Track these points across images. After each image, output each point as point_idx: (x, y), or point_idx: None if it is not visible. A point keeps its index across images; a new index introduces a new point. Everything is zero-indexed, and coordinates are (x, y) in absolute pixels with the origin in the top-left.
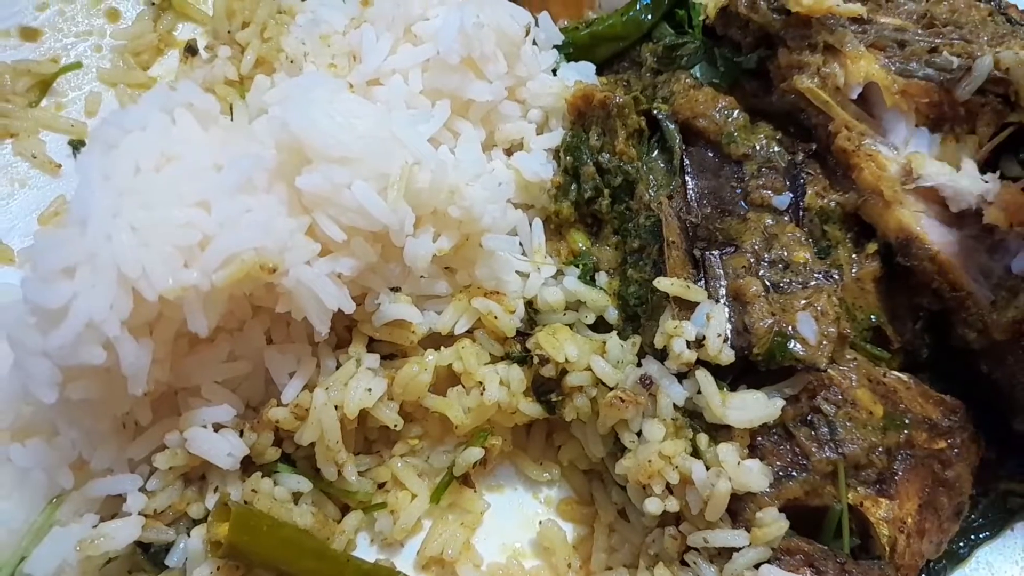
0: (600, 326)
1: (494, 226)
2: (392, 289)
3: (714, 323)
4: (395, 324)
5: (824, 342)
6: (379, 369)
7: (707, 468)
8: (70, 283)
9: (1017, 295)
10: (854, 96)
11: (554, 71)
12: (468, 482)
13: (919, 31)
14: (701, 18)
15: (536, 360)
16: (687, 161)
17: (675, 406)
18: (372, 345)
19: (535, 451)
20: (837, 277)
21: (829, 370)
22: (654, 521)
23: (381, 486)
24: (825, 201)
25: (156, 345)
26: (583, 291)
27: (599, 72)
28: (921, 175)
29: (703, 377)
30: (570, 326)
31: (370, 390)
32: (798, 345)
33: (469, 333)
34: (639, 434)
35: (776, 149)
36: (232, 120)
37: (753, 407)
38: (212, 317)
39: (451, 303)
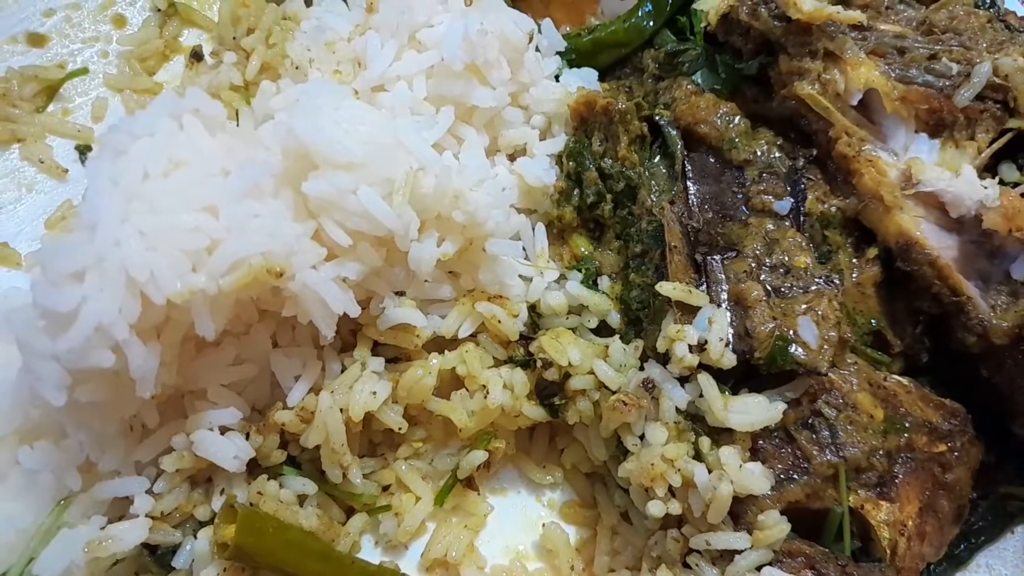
0: (602, 330)
1: (497, 231)
2: (397, 293)
3: (716, 327)
4: (399, 328)
5: (825, 346)
6: (384, 372)
7: (709, 471)
8: (79, 287)
9: (1016, 300)
10: (854, 102)
11: (557, 77)
12: (472, 485)
13: (919, 38)
14: (702, 25)
15: (539, 364)
16: (689, 166)
17: (677, 409)
18: (377, 349)
19: (538, 454)
20: (838, 282)
21: (830, 374)
22: (656, 524)
23: (385, 489)
24: (826, 206)
25: (164, 348)
26: (586, 295)
27: (601, 78)
28: (921, 180)
29: (705, 381)
30: (573, 330)
31: (375, 393)
32: (799, 349)
33: (473, 337)
34: (642, 437)
35: (777, 155)
36: (238, 126)
37: (755, 411)
38: (219, 321)
39: (455, 307)
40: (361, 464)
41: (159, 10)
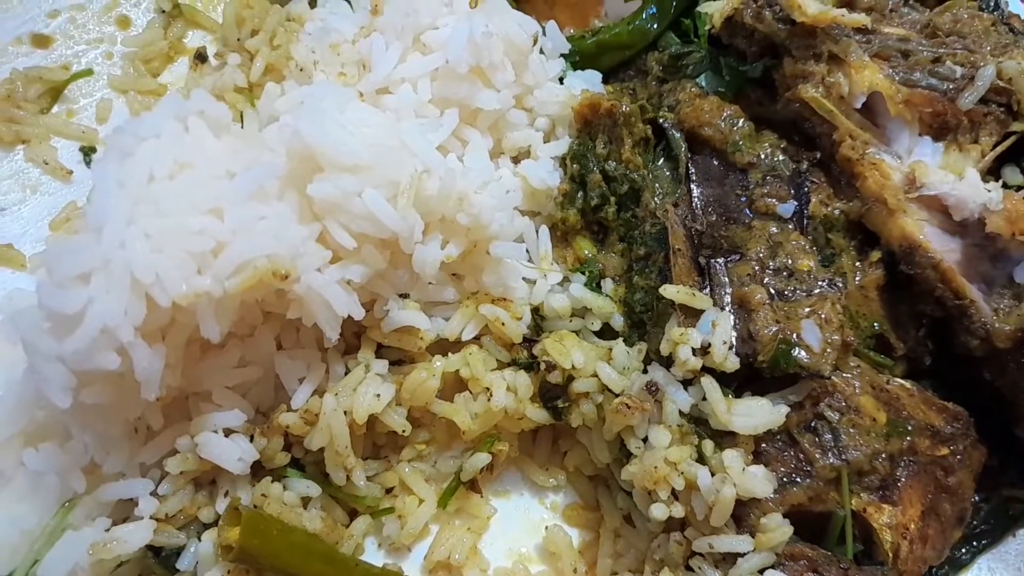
0: (606, 333)
1: (501, 233)
2: (401, 296)
3: (719, 330)
4: (403, 330)
5: (828, 349)
6: (387, 375)
7: (712, 474)
8: (85, 289)
9: (1020, 303)
10: (858, 105)
11: (561, 80)
12: (475, 487)
13: (923, 41)
14: (707, 28)
15: (543, 366)
16: (692, 169)
17: (681, 412)
18: (381, 351)
19: (541, 457)
20: (841, 285)
21: (833, 377)
22: (659, 526)
23: (389, 491)
24: (829, 209)
25: (168, 350)
26: (589, 298)
27: (605, 81)
28: (924, 184)
29: (708, 384)
30: (576, 333)
31: (379, 396)
32: (802, 352)
33: (476, 339)
34: (645, 440)
35: (781, 158)
36: (242, 127)
37: (758, 414)
38: (224, 323)
39: (459, 309)
40: (365, 466)
41: (163, 11)
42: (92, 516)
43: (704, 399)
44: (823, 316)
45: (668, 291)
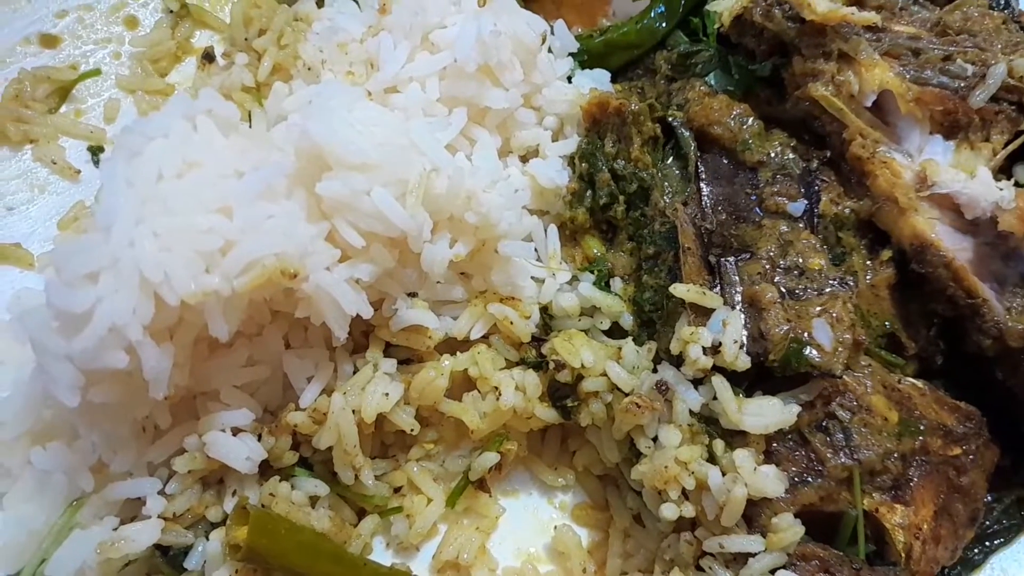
0: (615, 332)
1: (510, 232)
2: (409, 294)
3: (730, 329)
4: (412, 329)
5: (839, 348)
6: (396, 374)
7: (723, 474)
8: (93, 288)
9: None
10: (868, 104)
11: (569, 78)
12: (483, 487)
13: (933, 39)
14: (715, 26)
15: (552, 365)
16: (702, 168)
17: (691, 412)
18: (389, 350)
19: (550, 456)
20: (852, 284)
21: (844, 376)
22: (669, 526)
23: (397, 490)
24: (840, 208)
25: (177, 349)
26: (598, 297)
27: (614, 79)
28: (935, 182)
29: (719, 383)
30: (585, 332)
31: (387, 395)
32: (814, 351)
33: (485, 338)
34: (655, 440)
35: (791, 156)
36: (250, 127)
37: (769, 413)
38: (232, 322)
39: (467, 308)
40: (373, 466)
41: (171, 11)
42: (100, 515)
43: (715, 398)
44: (834, 315)
45: (678, 290)
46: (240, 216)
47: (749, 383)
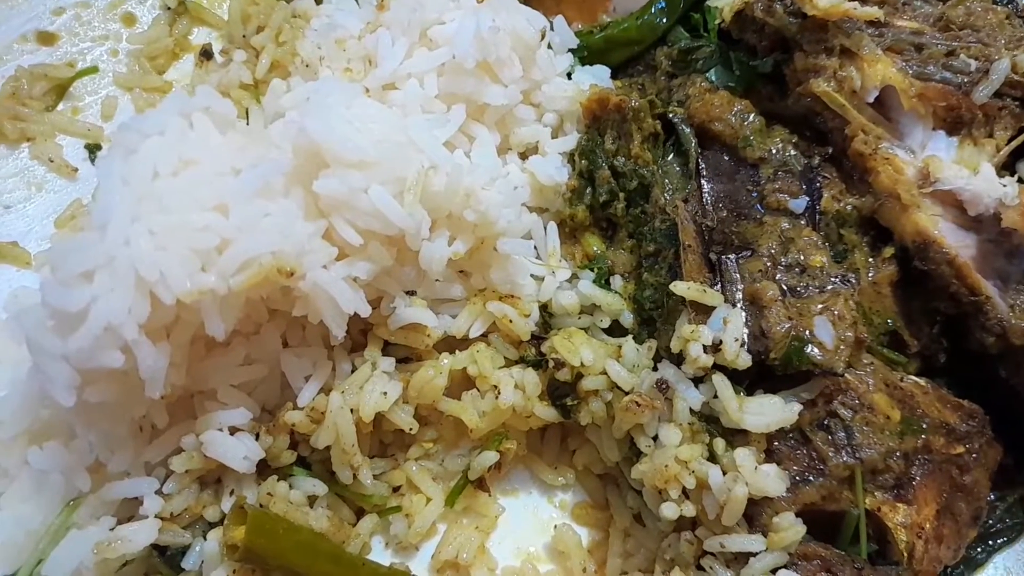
0: (615, 330)
1: (509, 230)
2: (407, 293)
3: (731, 327)
4: (410, 328)
5: (841, 346)
6: (394, 373)
7: (724, 473)
8: (89, 287)
9: None
10: (871, 99)
11: (569, 75)
12: (483, 486)
13: (936, 34)
14: (716, 22)
15: (551, 364)
16: (703, 165)
17: (691, 410)
18: (387, 349)
19: (550, 455)
20: (854, 281)
21: (846, 374)
22: (670, 526)
23: (396, 490)
24: (841, 205)
25: (173, 348)
26: (598, 295)
27: (614, 76)
28: (938, 179)
29: (720, 381)
30: (585, 330)
31: (385, 393)
32: (815, 349)
33: (484, 337)
34: (655, 438)
35: (792, 153)
36: (248, 124)
37: (770, 411)
38: (229, 321)
39: (466, 307)
40: (371, 465)
41: (169, 8)
42: (97, 515)
43: (715, 397)
44: (836, 313)
45: (679, 287)
46: (237, 214)
47: (750, 381)
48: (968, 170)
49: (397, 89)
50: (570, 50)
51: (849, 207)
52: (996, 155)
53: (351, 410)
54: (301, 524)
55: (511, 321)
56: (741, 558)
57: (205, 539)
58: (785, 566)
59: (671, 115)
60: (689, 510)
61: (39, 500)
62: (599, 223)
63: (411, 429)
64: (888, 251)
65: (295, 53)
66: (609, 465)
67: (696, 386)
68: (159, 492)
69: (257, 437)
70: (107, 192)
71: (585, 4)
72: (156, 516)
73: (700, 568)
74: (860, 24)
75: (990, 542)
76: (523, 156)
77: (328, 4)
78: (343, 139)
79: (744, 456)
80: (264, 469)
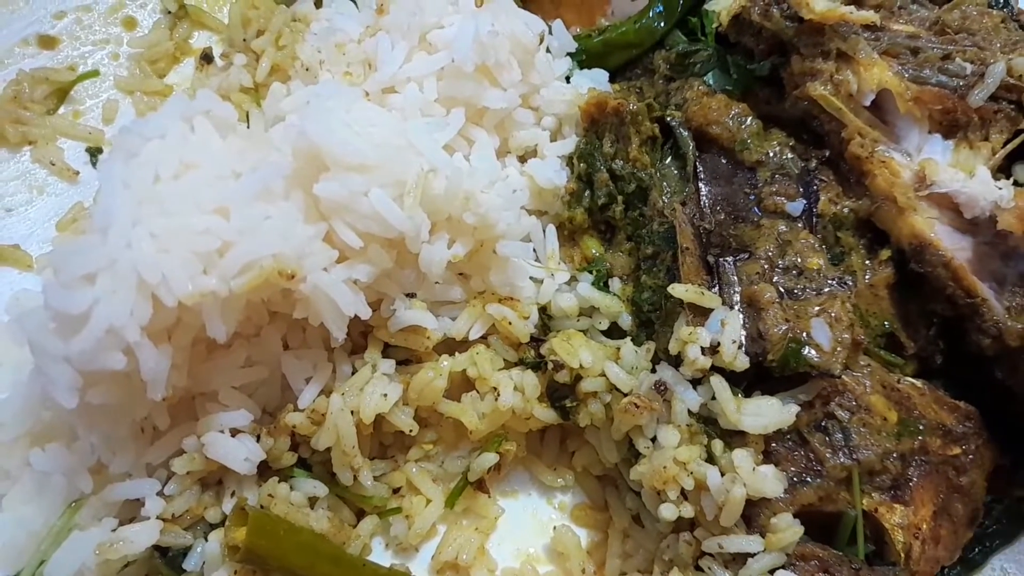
0: (614, 332)
1: (508, 232)
2: (407, 295)
3: (729, 329)
4: (410, 330)
5: (838, 348)
6: (394, 375)
7: (722, 474)
8: (91, 289)
9: None
10: (867, 103)
11: (567, 78)
12: (483, 487)
13: (932, 38)
14: (714, 26)
15: (550, 366)
16: (700, 168)
17: (690, 412)
18: (387, 351)
19: (549, 457)
20: (851, 283)
21: (843, 376)
22: (668, 527)
23: (396, 491)
24: (838, 207)
25: (175, 350)
26: (597, 297)
27: (612, 79)
28: (934, 181)
29: (718, 383)
30: (584, 332)
31: (385, 395)
32: (812, 351)
33: (483, 339)
34: (654, 440)
35: (789, 156)
36: (248, 127)
37: (768, 413)
38: (230, 323)
39: (465, 309)
40: (372, 466)
41: (169, 12)
42: (99, 516)
43: (713, 398)
44: (833, 315)
45: (677, 290)
46: (237, 217)
47: (748, 383)
48: (964, 173)
49: (397, 93)
50: (568, 54)
51: (846, 210)
52: (992, 158)
53: (351, 412)
54: (302, 525)
55: (510, 323)
56: (739, 559)
57: (206, 540)
58: (783, 567)
59: (669, 118)
60: (687, 511)
61: (41, 501)
62: (598, 226)
63: (411, 431)
64: (885, 253)
65: (295, 57)
66: (608, 466)
67: (694, 388)
68: (160, 493)
69: (258, 439)
70: (109, 195)
71: (583, 8)
72: (158, 517)
73: (698, 569)
74: (856, 28)
75: (987, 543)
76: (522, 159)
77: (328, 8)
78: (343, 142)
79: (742, 457)
80: (265, 470)
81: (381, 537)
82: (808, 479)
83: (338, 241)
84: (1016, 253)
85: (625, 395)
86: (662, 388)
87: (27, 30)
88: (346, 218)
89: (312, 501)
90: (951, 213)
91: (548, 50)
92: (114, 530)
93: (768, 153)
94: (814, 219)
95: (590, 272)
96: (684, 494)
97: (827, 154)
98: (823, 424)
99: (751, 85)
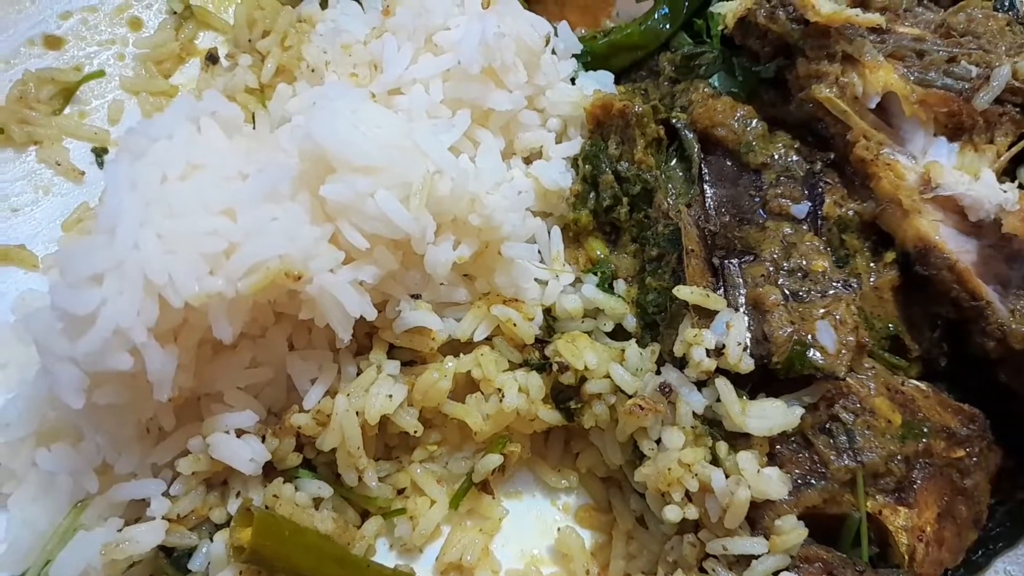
0: (618, 334)
1: (513, 234)
2: (413, 296)
3: (733, 332)
4: (415, 331)
5: (843, 351)
6: (399, 376)
7: (726, 476)
8: (98, 290)
9: None
10: (872, 105)
11: (573, 80)
12: (487, 488)
13: (937, 41)
14: (719, 28)
15: (555, 367)
16: (705, 170)
17: (694, 414)
18: (392, 352)
19: (553, 458)
20: (855, 286)
21: (848, 379)
22: (673, 529)
23: (401, 492)
24: (843, 210)
25: (181, 351)
26: (601, 299)
27: (617, 81)
28: (939, 184)
29: (722, 385)
30: (588, 334)
31: (390, 396)
32: (817, 354)
33: (488, 340)
34: (658, 442)
35: (794, 158)
36: (254, 128)
37: (772, 415)
38: (236, 324)
39: (470, 310)
40: (376, 467)
41: (175, 13)
42: (104, 516)
43: (718, 400)
44: (838, 317)
45: (682, 292)
46: (244, 218)
47: (752, 385)
48: (969, 176)
49: (403, 94)
50: (574, 55)
51: (851, 212)
52: (997, 161)
53: (356, 413)
54: (307, 526)
55: (515, 325)
56: (743, 561)
57: (211, 541)
58: (787, 569)
59: (674, 120)
60: (692, 513)
61: (47, 501)
62: (603, 228)
63: (416, 432)
64: (889, 256)
65: (301, 58)
66: (612, 468)
67: (699, 390)
68: (166, 494)
69: (263, 439)
70: (115, 196)
71: (589, 10)
72: (163, 518)
73: (702, 571)
74: (862, 30)
75: (991, 545)
76: (527, 161)
77: (333, 9)
78: (349, 144)
79: (746, 459)
80: (270, 471)
81: (385, 538)
82: (812, 481)
83: (344, 242)
84: (1021, 256)
85: (630, 397)
86: (667, 390)
87: (33, 30)
88: (352, 219)
89: (317, 502)
90: (956, 216)
91: (553, 52)
92: (119, 530)
93: (773, 155)
94: (819, 221)
95: (595, 274)
96: (688, 496)
97: (832, 156)
98: (827, 426)
99: (756, 87)
